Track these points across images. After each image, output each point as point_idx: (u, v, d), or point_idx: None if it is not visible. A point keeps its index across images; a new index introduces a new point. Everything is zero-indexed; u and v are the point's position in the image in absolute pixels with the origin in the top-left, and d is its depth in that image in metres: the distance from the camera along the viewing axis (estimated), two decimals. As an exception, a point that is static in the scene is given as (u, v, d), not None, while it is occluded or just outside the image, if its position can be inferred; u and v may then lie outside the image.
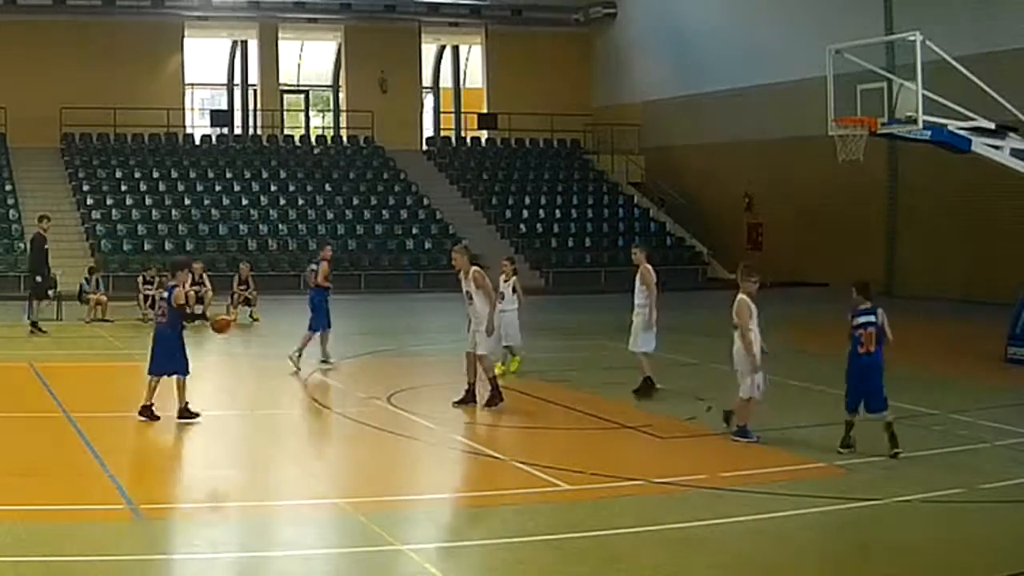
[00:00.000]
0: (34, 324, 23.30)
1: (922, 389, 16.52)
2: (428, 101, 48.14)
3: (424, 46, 46.11)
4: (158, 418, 13.45)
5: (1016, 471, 11.70)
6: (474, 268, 14.81)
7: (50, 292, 24.32)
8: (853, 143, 19.70)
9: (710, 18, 40.50)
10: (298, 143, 43.38)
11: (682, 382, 17.17)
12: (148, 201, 37.07)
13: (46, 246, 24.05)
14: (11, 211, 35.20)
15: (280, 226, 37.17)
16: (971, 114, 19.12)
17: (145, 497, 10.30)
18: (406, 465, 12.47)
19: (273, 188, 39.09)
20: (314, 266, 18.83)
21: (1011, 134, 19.13)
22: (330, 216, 38.19)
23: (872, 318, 12.29)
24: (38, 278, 23.71)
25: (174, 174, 38.94)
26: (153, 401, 13.52)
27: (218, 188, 38.66)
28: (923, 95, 18.52)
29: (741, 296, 12.86)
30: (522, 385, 16.67)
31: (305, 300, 18.89)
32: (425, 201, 40.07)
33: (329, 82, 46.99)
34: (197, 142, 41.72)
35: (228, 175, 39.51)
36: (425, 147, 44.63)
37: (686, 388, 16.57)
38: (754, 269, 13.24)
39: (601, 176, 43.54)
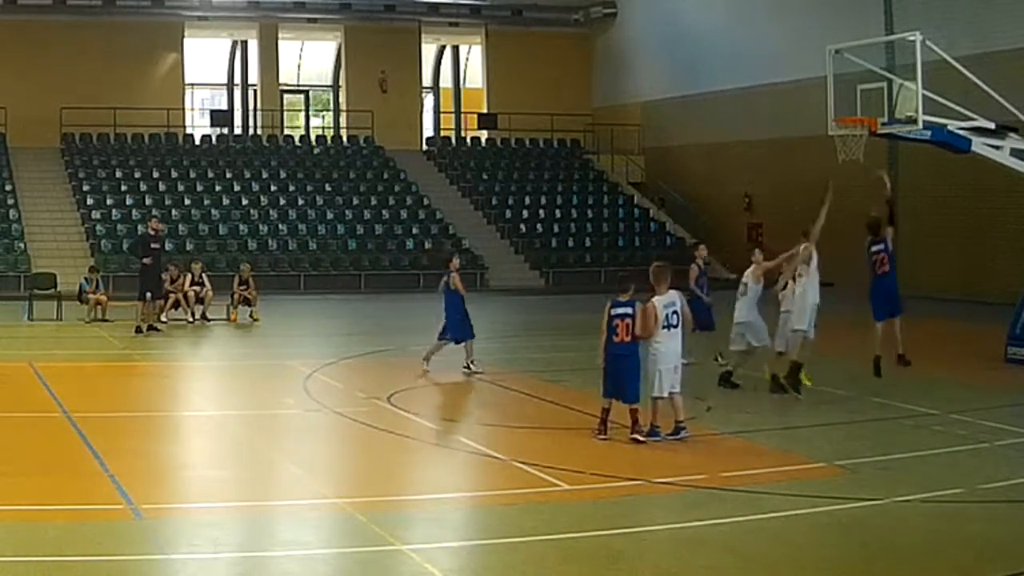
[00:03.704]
0: (150, 326, 23.12)
1: (922, 389, 16.54)
2: (428, 101, 48.13)
3: (424, 46, 46.07)
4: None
5: (1016, 471, 11.70)
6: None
7: (148, 294, 23.03)
8: (853, 143, 19.70)
9: (710, 18, 40.47)
10: (298, 143, 43.36)
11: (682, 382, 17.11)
12: (148, 201, 37.03)
13: (154, 245, 23.62)
14: (11, 211, 35.19)
15: (280, 226, 37.16)
16: (971, 114, 19.10)
17: (145, 497, 10.29)
18: (406, 465, 12.45)
19: (273, 188, 39.07)
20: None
21: (1011, 134, 19.10)
22: (330, 216, 38.16)
23: None
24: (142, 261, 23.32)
25: (174, 174, 38.93)
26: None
27: (218, 188, 38.64)
28: (923, 95, 18.51)
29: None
30: (522, 385, 16.68)
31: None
32: (425, 201, 40.05)
33: (329, 82, 46.98)
34: (197, 142, 41.70)
35: (228, 175, 39.49)
36: (425, 147, 44.59)
37: (686, 388, 16.52)
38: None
39: (601, 176, 43.51)
